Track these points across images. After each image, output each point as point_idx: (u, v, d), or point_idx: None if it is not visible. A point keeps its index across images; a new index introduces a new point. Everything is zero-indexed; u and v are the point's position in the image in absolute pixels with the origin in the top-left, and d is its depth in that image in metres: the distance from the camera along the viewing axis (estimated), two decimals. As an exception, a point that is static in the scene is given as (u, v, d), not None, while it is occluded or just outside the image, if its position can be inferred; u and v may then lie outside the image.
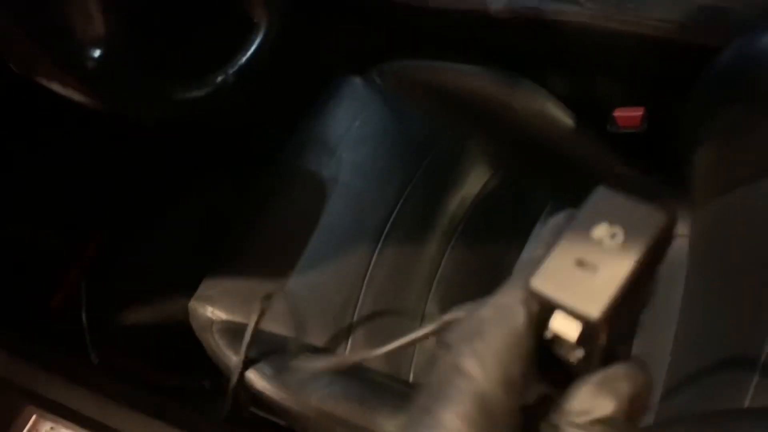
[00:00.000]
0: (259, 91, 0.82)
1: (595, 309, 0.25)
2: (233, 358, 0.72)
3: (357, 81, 0.94)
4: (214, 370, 0.79)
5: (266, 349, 0.73)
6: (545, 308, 0.27)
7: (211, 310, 0.77)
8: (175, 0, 0.63)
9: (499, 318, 0.29)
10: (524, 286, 0.28)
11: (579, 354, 0.28)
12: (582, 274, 0.26)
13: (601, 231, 0.27)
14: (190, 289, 0.83)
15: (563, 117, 0.88)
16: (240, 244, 0.83)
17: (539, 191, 0.90)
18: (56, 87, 0.53)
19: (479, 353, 0.28)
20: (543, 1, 0.82)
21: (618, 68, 0.84)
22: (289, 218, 0.83)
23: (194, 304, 0.79)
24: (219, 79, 0.65)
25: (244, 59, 0.66)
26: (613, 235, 0.27)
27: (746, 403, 0.58)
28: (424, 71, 0.93)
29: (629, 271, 0.26)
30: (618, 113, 0.84)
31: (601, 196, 0.28)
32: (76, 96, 0.54)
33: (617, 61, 0.83)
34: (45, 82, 0.52)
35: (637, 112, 0.83)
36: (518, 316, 0.28)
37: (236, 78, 0.66)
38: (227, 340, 0.74)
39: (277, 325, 0.76)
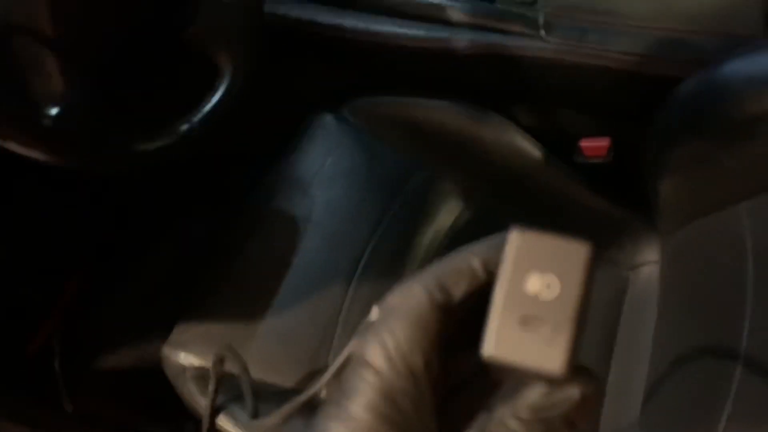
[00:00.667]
0: (230, 133, 0.82)
1: (556, 365, 0.26)
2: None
3: (329, 118, 0.95)
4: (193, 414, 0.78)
5: (239, 394, 0.72)
6: (449, 297, 0.28)
7: (183, 356, 0.76)
8: (137, 51, 0.64)
9: (404, 306, 0.29)
10: (433, 275, 0.28)
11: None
12: (531, 333, 0.26)
13: (534, 283, 0.27)
14: (165, 333, 0.82)
15: (531, 149, 0.89)
16: (213, 288, 0.82)
17: (510, 224, 0.90)
18: (13, 147, 0.53)
19: (384, 343, 0.28)
20: (506, 37, 0.83)
21: (583, 100, 0.86)
22: (262, 259, 0.83)
23: (167, 351, 0.78)
24: (184, 127, 0.65)
25: (209, 106, 0.67)
26: (548, 285, 0.27)
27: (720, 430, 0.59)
28: (394, 107, 0.94)
29: (575, 317, 0.26)
30: (584, 144, 0.85)
31: (518, 240, 0.28)
32: (34, 154, 0.54)
33: (582, 94, 0.85)
34: (2, 143, 0.52)
35: (602, 143, 0.84)
36: (423, 304, 0.28)
37: (202, 125, 0.66)
38: (201, 387, 0.74)
39: (252, 369, 0.75)
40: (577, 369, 0.27)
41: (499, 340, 0.27)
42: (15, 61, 0.52)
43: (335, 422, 0.28)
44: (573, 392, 0.27)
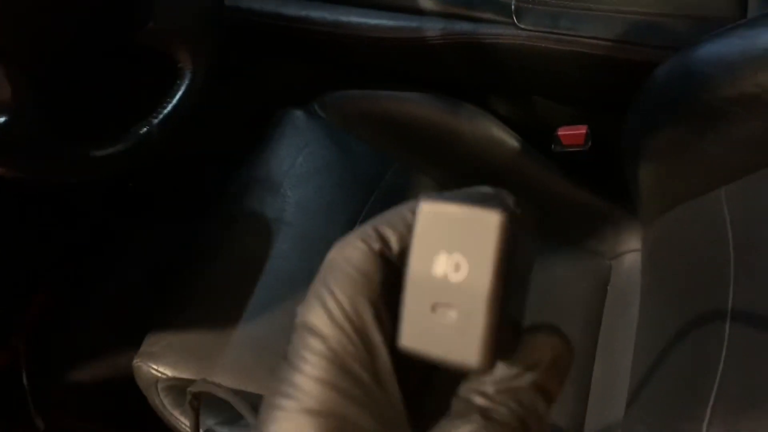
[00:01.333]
0: (195, 134, 0.79)
1: (473, 357, 0.23)
2: (179, 418, 0.69)
3: (298, 114, 0.92)
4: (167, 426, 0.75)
5: (215, 406, 0.70)
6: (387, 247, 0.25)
7: (155, 368, 0.74)
8: (90, 53, 0.60)
9: (341, 258, 0.26)
10: (369, 225, 0.25)
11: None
12: (443, 321, 0.23)
13: (441, 266, 0.24)
14: (136, 344, 0.79)
15: (508, 139, 0.87)
16: (184, 296, 0.79)
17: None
18: (-42, 159, 0.49)
19: (325, 303, 0.25)
20: (478, 25, 0.81)
21: (558, 88, 0.84)
22: (234, 265, 0.80)
23: (138, 362, 0.75)
24: (143, 130, 0.62)
25: (169, 108, 0.64)
26: (456, 267, 0.23)
27: (705, 421, 0.58)
28: (366, 101, 0.91)
29: (488, 301, 0.23)
30: (561, 132, 0.84)
31: (428, 213, 0.24)
32: (-19, 166, 0.51)
33: (556, 81, 0.83)
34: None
35: (580, 131, 0.83)
36: (361, 254, 0.25)
37: (161, 128, 0.63)
38: (172, 398, 0.71)
39: (226, 378, 0.73)
40: (548, 329, 0.25)
41: (413, 330, 0.24)
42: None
43: (283, 399, 0.24)
44: (543, 355, 0.24)
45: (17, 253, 0.93)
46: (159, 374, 0.73)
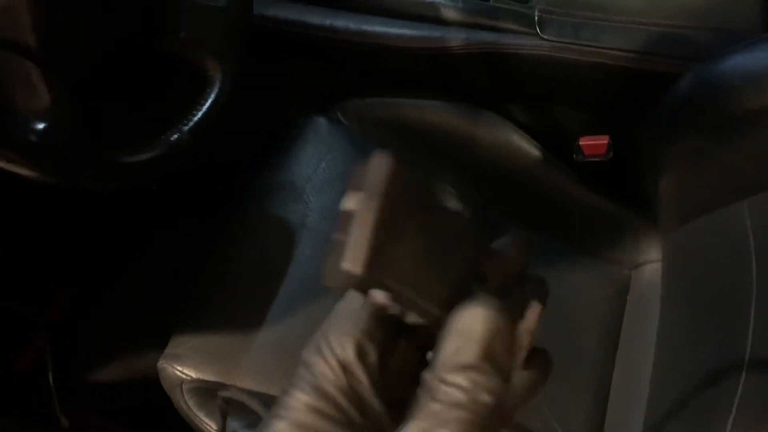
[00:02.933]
0: (219, 139, 0.80)
1: (354, 265, 0.28)
2: (204, 419, 0.70)
3: (321, 121, 0.93)
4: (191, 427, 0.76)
5: (241, 409, 0.71)
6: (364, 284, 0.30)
7: (180, 369, 0.75)
8: (122, 61, 0.62)
9: (338, 306, 0.33)
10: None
11: (411, 317, 0.30)
12: (342, 243, 0.29)
13: (349, 202, 0.30)
14: (159, 344, 0.81)
15: (529, 148, 0.87)
16: (207, 298, 0.81)
17: (508, 224, 0.89)
18: (1, 164, 0.51)
19: (317, 341, 0.32)
20: (501, 35, 0.81)
21: (580, 97, 0.84)
22: (257, 269, 0.81)
23: (163, 364, 0.76)
24: (174, 137, 0.63)
25: (199, 114, 0.65)
26: (357, 202, 0.29)
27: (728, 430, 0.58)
28: (387, 108, 0.92)
29: (372, 222, 0.28)
30: (583, 142, 0.84)
31: (369, 166, 0.30)
32: (21, 171, 0.52)
33: (578, 91, 0.83)
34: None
35: (601, 141, 0.83)
36: (353, 300, 0.32)
37: (192, 134, 0.64)
38: (197, 400, 0.72)
39: (249, 381, 0.74)
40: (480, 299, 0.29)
41: (328, 271, 0.30)
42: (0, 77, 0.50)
43: (277, 420, 0.31)
44: (473, 327, 0.28)
45: (38, 250, 0.94)
46: (184, 376, 0.74)
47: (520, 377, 0.30)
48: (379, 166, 0.29)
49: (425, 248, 0.29)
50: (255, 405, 0.50)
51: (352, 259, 0.28)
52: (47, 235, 0.90)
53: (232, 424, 0.68)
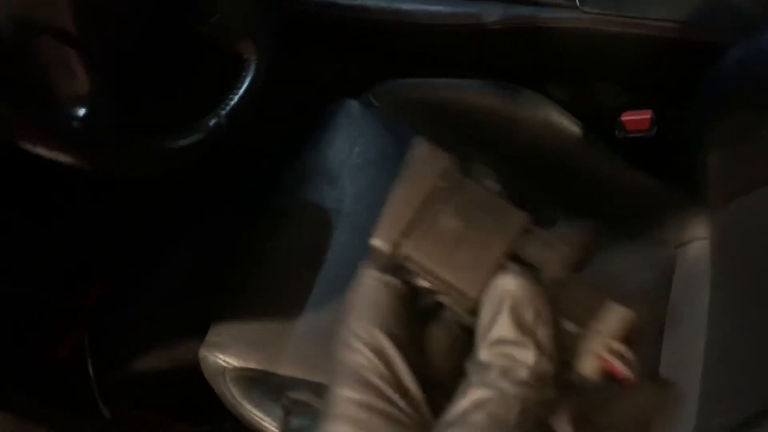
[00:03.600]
0: (253, 124, 0.79)
1: (383, 242, 0.31)
2: (248, 407, 0.69)
3: (353, 104, 0.92)
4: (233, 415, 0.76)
5: (281, 396, 0.70)
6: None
7: (222, 358, 0.74)
8: (159, 46, 0.61)
9: (355, 295, 0.34)
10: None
11: (447, 299, 0.30)
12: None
13: None
14: (198, 332, 0.80)
15: (569, 125, 0.85)
16: (245, 285, 0.80)
17: (549, 204, 0.87)
18: (41, 151, 0.50)
19: (347, 340, 0.32)
20: (539, 8, 0.79)
21: (622, 72, 0.82)
22: (294, 255, 0.81)
23: (204, 352, 0.76)
24: (212, 122, 0.62)
25: (236, 99, 0.64)
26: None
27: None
28: (421, 89, 0.90)
29: (403, 202, 0.30)
30: (625, 118, 0.82)
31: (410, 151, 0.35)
32: (63, 158, 0.51)
33: (621, 65, 0.81)
34: (29, 147, 0.49)
35: (644, 116, 0.80)
36: (369, 286, 0.34)
37: (229, 119, 0.63)
38: (241, 389, 0.72)
39: (291, 368, 0.73)
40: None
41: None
42: (39, 63, 0.49)
43: (329, 420, 0.31)
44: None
45: (73, 241, 0.94)
46: (226, 364, 0.74)
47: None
48: (416, 150, 0.30)
49: (461, 231, 0.28)
50: (317, 403, 0.50)
51: (382, 237, 0.28)
52: (81, 224, 0.90)
53: (293, 422, 0.68)
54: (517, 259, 0.28)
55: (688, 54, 0.76)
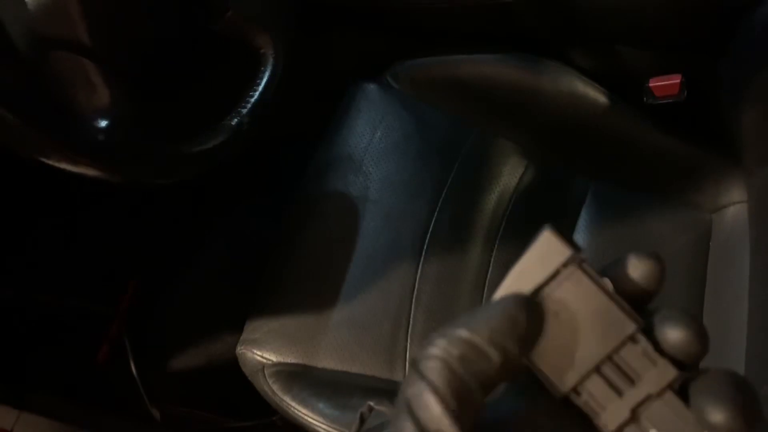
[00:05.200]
0: (271, 116, 0.78)
1: None
2: (290, 403, 0.69)
3: (372, 87, 0.90)
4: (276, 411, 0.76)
5: (322, 389, 0.70)
6: None
7: (260, 354, 0.74)
8: (176, 50, 0.60)
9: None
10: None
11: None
12: None
13: None
14: (234, 328, 0.81)
15: (595, 94, 0.83)
16: (277, 279, 0.80)
17: (578, 176, 0.85)
18: (66, 166, 0.50)
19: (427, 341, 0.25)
20: (558, -23, 0.76)
21: (647, 36, 0.79)
22: (324, 246, 0.80)
23: (242, 349, 0.76)
24: (234, 121, 0.61)
25: (256, 95, 0.63)
26: None
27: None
28: (440, 68, 0.89)
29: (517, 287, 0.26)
30: (653, 83, 0.79)
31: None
32: (89, 172, 0.51)
33: (645, 28, 0.78)
34: (53, 163, 0.49)
35: (674, 80, 0.78)
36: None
37: (251, 116, 0.62)
38: (281, 384, 0.72)
39: (329, 360, 0.73)
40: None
41: None
42: (58, 78, 0.49)
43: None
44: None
45: (106, 245, 0.95)
46: (264, 360, 0.74)
47: None
48: (541, 236, 0.26)
49: (567, 326, 0.25)
50: (389, 412, 0.48)
51: None
52: (115, 226, 0.91)
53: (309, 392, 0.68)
54: (617, 366, 0.26)
55: (715, 12, 0.73)
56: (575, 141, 0.85)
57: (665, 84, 0.78)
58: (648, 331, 0.25)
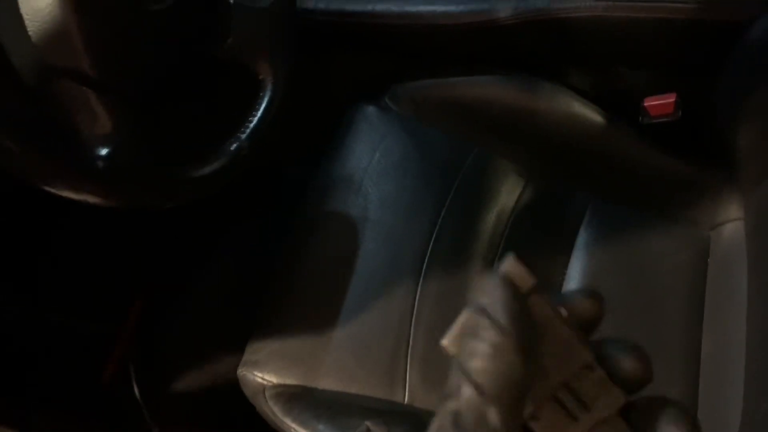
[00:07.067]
0: (271, 139, 0.79)
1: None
2: (291, 425, 0.70)
3: (371, 109, 0.91)
4: None
5: (322, 411, 0.70)
6: None
7: (260, 376, 0.75)
8: (177, 76, 0.61)
9: None
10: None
11: None
12: None
13: None
14: (236, 349, 0.81)
15: (591, 114, 0.84)
16: (278, 300, 0.80)
17: (576, 195, 0.86)
18: (68, 194, 0.51)
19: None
20: (553, 0, 0.78)
21: (642, 57, 0.80)
22: (324, 267, 0.81)
23: (243, 371, 0.76)
24: (233, 146, 0.62)
25: (255, 120, 0.64)
26: None
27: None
28: (439, 89, 0.90)
29: None
30: (648, 103, 0.80)
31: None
32: (91, 199, 0.52)
33: (640, 50, 0.79)
34: (55, 191, 0.50)
35: (668, 99, 0.79)
36: None
37: (251, 141, 0.63)
38: (282, 406, 0.72)
39: (330, 382, 0.73)
40: None
41: None
42: (59, 106, 0.50)
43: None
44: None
45: (110, 265, 0.95)
46: (265, 382, 0.74)
47: None
48: (503, 266, 0.26)
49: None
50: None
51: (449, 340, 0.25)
52: (117, 248, 0.92)
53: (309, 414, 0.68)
54: (573, 393, 0.27)
55: (709, 33, 0.74)
56: (573, 160, 0.86)
57: (660, 103, 0.79)
58: (600, 359, 0.26)
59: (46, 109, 0.50)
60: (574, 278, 0.80)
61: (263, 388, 0.74)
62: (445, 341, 0.25)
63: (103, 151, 0.51)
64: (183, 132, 0.70)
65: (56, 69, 0.49)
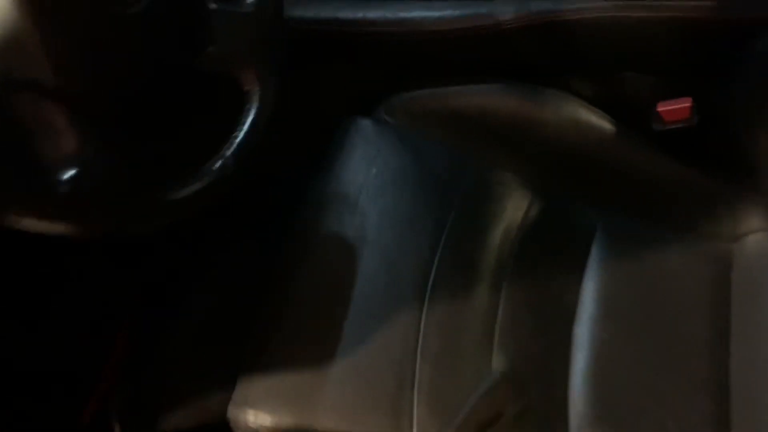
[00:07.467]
0: (261, 156, 0.74)
1: None
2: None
3: (366, 123, 0.86)
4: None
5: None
6: None
7: (253, 415, 0.69)
8: (154, 87, 0.55)
9: None
10: None
11: None
12: None
13: None
14: (226, 384, 0.75)
15: (600, 122, 0.79)
16: (271, 331, 0.74)
17: (586, 209, 0.81)
18: (28, 224, 0.44)
19: None
20: (557, 1, 0.73)
21: (653, 60, 0.76)
22: (320, 293, 0.75)
23: (234, 411, 0.70)
24: (218, 165, 0.56)
25: (241, 135, 0.58)
26: None
27: None
28: (437, 100, 0.85)
29: None
30: (662, 108, 0.75)
31: None
32: (55, 229, 0.46)
33: (651, 53, 0.75)
34: (13, 223, 0.44)
35: (684, 104, 0.74)
36: None
37: (236, 158, 0.57)
38: (278, 448, 0.66)
39: (329, 420, 0.67)
40: None
41: None
42: (19, 124, 0.44)
43: None
44: None
45: (93, 298, 0.90)
46: (259, 423, 0.68)
47: None
48: None
49: None
50: None
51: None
52: (100, 280, 0.86)
53: None
54: None
55: (725, 33, 0.70)
56: (581, 172, 0.81)
57: (675, 108, 0.74)
58: None
59: (1, 130, 0.44)
60: (587, 299, 0.75)
61: (256, 429, 0.68)
62: None
63: (67, 174, 0.45)
64: (160, 150, 0.64)
65: (11, 81, 0.44)
